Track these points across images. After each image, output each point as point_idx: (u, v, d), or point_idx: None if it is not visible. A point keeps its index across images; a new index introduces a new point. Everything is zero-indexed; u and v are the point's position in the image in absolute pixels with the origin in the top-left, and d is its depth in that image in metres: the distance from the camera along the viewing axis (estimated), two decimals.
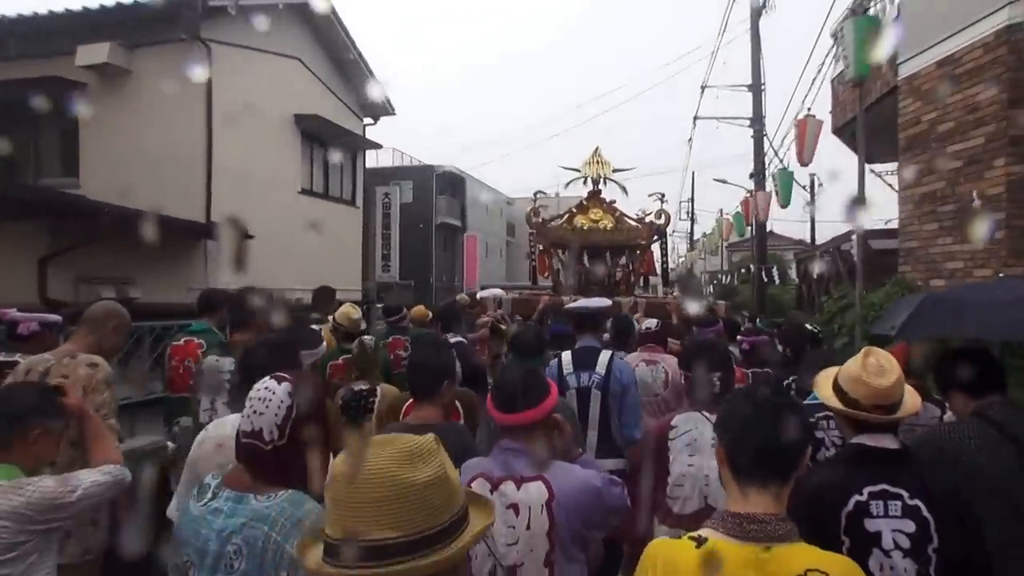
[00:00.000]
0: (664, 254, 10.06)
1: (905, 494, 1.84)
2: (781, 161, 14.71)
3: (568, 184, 10.31)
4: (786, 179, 9.61)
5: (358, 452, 1.15)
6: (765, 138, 16.01)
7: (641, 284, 11.20)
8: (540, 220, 9.69)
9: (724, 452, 1.56)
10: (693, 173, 33.72)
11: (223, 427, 2.24)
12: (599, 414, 3.48)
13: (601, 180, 9.67)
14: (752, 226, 13.28)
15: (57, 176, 10.66)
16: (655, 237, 9.50)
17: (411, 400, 2.87)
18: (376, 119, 14.51)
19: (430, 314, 6.72)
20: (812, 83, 10.27)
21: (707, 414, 2.62)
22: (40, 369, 2.84)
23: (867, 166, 10.48)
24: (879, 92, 8.06)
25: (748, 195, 13.34)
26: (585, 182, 9.70)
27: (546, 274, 10.13)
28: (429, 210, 32.99)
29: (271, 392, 1.64)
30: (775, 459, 1.49)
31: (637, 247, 9.48)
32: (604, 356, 3.63)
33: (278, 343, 2.53)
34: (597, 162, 9.80)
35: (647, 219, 9.35)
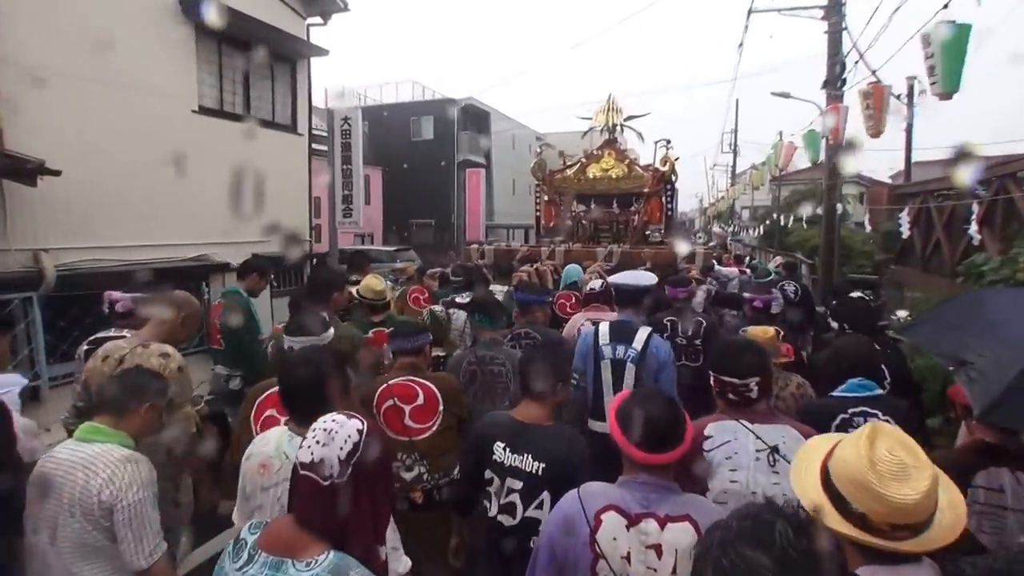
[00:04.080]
0: (668, 201, 9.14)
1: None
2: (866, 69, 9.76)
3: (585, 134, 9.75)
4: (958, 43, 4.38)
5: None
6: (845, 33, 11.02)
7: (661, 231, 9.97)
8: (546, 172, 9.28)
9: None
10: (737, 101, 28.12)
11: (266, 444, 1.97)
12: (632, 387, 3.12)
13: (618, 128, 9.16)
14: (834, 144, 8.62)
15: None
16: (660, 185, 8.79)
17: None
18: (326, 18, 10.12)
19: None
20: None
21: (745, 423, 2.07)
22: (115, 356, 2.79)
23: None
24: None
25: (834, 103, 8.65)
26: (602, 131, 9.22)
27: (552, 223, 9.56)
28: (450, 147, 28.61)
29: (338, 424, 1.38)
30: None
31: (643, 195, 8.83)
32: (642, 332, 3.31)
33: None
34: (610, 110, 9.29)
35: (652, 167, 8.77)
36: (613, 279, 3.77)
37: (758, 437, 2.01)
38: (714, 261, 8.18)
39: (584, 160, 9.48)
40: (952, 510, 1.25)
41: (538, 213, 10.12)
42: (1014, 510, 1.81)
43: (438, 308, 4.22)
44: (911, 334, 2.70)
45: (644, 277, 3.68)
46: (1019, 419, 1.69)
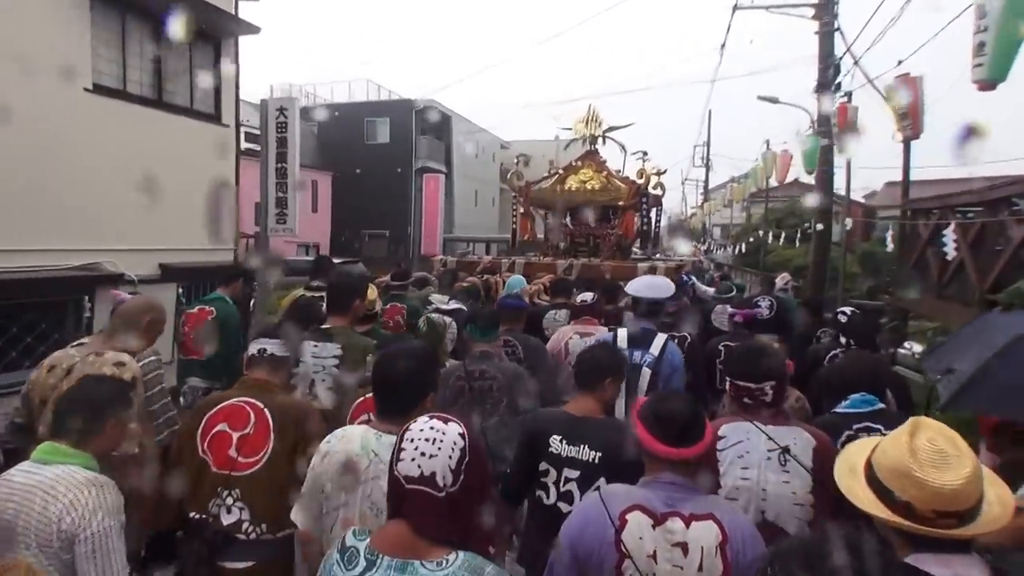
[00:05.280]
0: (645, 215, 9.10)
1: None
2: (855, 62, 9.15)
3: (567, 146, 9.96)
4: (1017, 15, 3.38)
5: None
6: (838, 35, 10.46)
7: (638, 246, 10.11)
8: (523, 183, 9.28)
9: None
10: (710, 112, 27.87)
11: (350, 442, 1.96)
12: (646, 390, 3.35)
13: (599, 139, 9.17)
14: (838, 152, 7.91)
15: None
16: (636, 198, 8.74)
17: None
18: None
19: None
20: None
21: (758, 424, 2.20)
22: (63, 366, 2.64)
23: None
24: None
25: (843, 100, 7.93)
26: (584, 143, 9.25)
27: (527, 236, 9.57)
28: (407, 152, 27.47)
29: (440, 432, 1.37)
30: None
31: (619, 208, 8.79)
32: (659, 339, 3.53)
33: (423, 356, 2.14)
34: (591, 120, 9.32)
35: (630, 179, 8.81)
36: (630, 289, 3.86)
37: (770, 438, 2.12)
38: (684, 276, 8.29)
39: (562, 171, 9.52)
40: (1000, 505, 1.31)
41: (514, 226, 10.08)
42: None
43: (436, 316, 4.27)
44: (928, 363, 2.69)
45: (662, 287, 3.77)
46: (977, 404, 1.77)
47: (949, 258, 5.35)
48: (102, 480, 1.90)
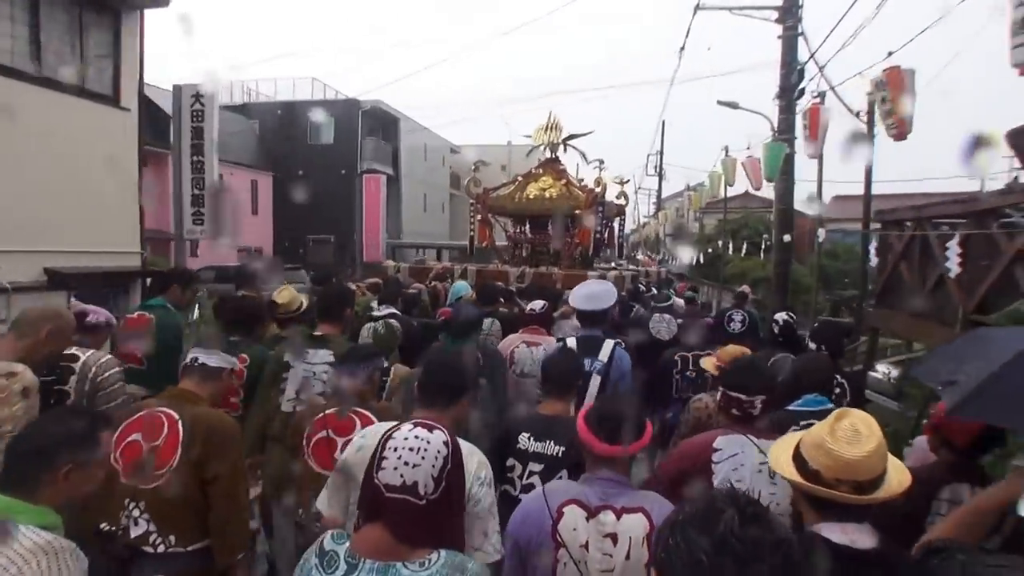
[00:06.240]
0: (601, 224, 9.18)
1: None
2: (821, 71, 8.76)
3: (529, 152, 9.95)
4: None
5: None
6: (802, 39, 10.05)
7: (603, 254, 10.14)
8: (481, 190, 9.33)
9: None
10: (664, 122, 27.69)
11: (376, 438, 1.81)
12: (595, 395, 3.49)
13: (560, 147, 9.27)
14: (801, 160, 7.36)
15: None
16: (593, 206, 8.72)
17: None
18: None
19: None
20: None
21: (752, 437, 2.30)
22: None
23: None
24: None
25: (816, 101, 7.41)
26: (544, 150, 9.30)
27: (485, 244, 9.71)
28: (352, 153, 26.32)
29: (424, 441, 1.38)
30: None
31: (575, 216, 8.79)
32: (607, 345, 3.68)
33: (453, 365, 2.30)
34: (551, 128, 9.39)
35: (587, 187, 8.86)
36: (574, 303, 4.03)
37: (761, 451, 2.15)
38: (642, 286, 8.51)
39: (522, 179, 9.55)
40: (899, 484, 1.50)
41: (471, 232, 10.09)
42: None
43: (393, 320, 4.35)
44: (920, 371, 2.83)
45: (602, 297, 3.90)
46: (983, 413, 1.84)
47: (952, 275, 4.83)
48: (58, 546, 1.58)
